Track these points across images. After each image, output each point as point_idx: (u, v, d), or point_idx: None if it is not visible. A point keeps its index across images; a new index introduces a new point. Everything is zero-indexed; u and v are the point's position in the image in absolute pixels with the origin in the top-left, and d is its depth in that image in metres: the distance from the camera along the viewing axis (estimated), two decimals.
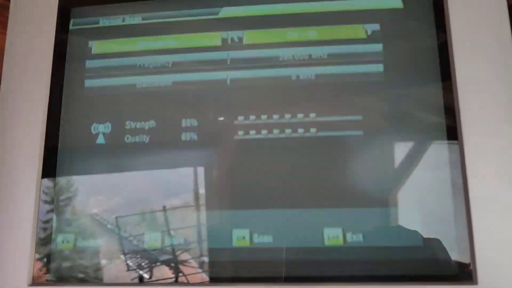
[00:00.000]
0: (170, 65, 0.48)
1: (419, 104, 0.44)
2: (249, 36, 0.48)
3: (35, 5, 0.50)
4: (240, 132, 0.45)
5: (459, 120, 0.42)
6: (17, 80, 0.48)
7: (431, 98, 0.43)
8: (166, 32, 0.49)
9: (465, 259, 0.40)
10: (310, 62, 0.46)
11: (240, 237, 0.43)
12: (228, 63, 0.47)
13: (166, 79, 0.47)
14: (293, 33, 0.47)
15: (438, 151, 0.43)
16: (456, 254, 0.41)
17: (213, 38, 0.48)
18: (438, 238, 0.41)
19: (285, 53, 0.47)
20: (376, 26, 0.46)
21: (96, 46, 0.50)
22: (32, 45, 0.49)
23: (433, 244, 0.41)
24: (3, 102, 0.47)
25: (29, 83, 0.48)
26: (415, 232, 0.41)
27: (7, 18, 0.51)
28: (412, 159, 0.43)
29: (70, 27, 0.51)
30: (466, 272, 0.40)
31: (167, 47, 0.48)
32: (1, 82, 0.48)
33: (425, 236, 0.41)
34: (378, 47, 0.46)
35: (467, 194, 0.41)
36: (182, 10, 0.49)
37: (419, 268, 0.41)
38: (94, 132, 0.47)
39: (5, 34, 0.50)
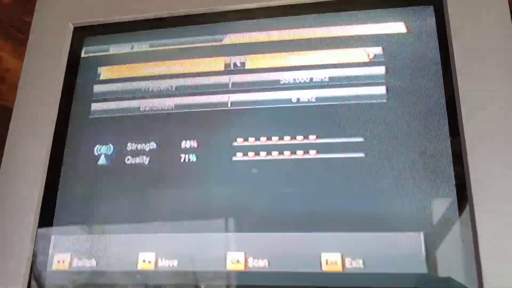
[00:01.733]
0: (173, 89, 0.48)
1: (422, 127, 0.42)
2: (251, 60, 0.48)
3: (52, 34, 0.53)
4: (239, 154, 0.45)
5: (464, 142, 0.40)
6: (30, 103, 0.50)
7: (434, 121, 0.42)
8: (172, 58, 0.50)
9: None
10: (311, 85, 0.46)
11: (235, 260, 0.41)
12: (230, 86, 0.47)
13: (168, 102, 0.48)
14: (295, 58, 0.47)
15: (444, 177, 0.41)
16: (463, 282, 0.38)
17: (216, 63, 0.49)
18: (444, 264, 0.39)
19: (286, 76, 0.46)
20: (378, 50, 0.46)
21: (105, 71, 0.51)
22: (45, 70, 0.51)
23: (438, 271, 0.39)
24: (16, 121, 0.49)
25: (40, 105, 0.49)
26: (419, 258, 0.39)
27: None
28: (416, 183, 0.41)
29: (82, 55, 0.52)
30: None
31: (171, 72, 0.49)
32: (15, 105, 0.50)
33: (429, 263, 0.39)
34: (380, 69, 0.45)
35: (474, 222, 0.38)
36: (188, 37, 0.50)
37: None
38: (96, 154, 0.47)
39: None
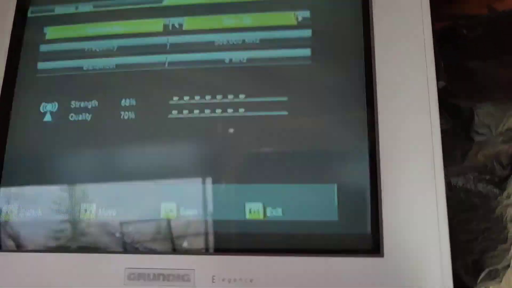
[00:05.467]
0: (115, 49, 0.51)
1: (343, 89, 0.46)
2: (188, 22, 0.50)
3: None
4: (174, 112, 0.48)
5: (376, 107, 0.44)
6: None
7: (352, 85, 0.45)
8: (114, 19, 0.52)
9: (376, 234, 0.42)
10: (243, 46, 0.48)
11: (168, 210, 0.45)
12: (168, 48, 0.50)
13: (110, 62, 0.50)
14: (229, 20, 0.50)
15: (358, 135, 0.44)
16: (368, 229, 0.42)
17: (156, 24, 0.51)
18: (353, 213, 0.43)
19: (221, 38, 0.49)
20: (306, 13, 0.48)
21: (50, 31, 0.53)
22: None
23: (348, 219, 0.43)
24: None
25: None
26: (331, 207, 0.43)
27: None
28: (333, 140, 0.45)
29: (29, 14, 0.54)
30: (375, 246, 0.41)
31: (113, 33, 0.51)
32: None
33: (340, 211, 0.43)
34: (307, 32, 0.48)
35: (379, 173, 0.42)
36: None
37: (334, 242, 0.43)
38: (42, 111, 0.50)
39: None
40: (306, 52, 0.47)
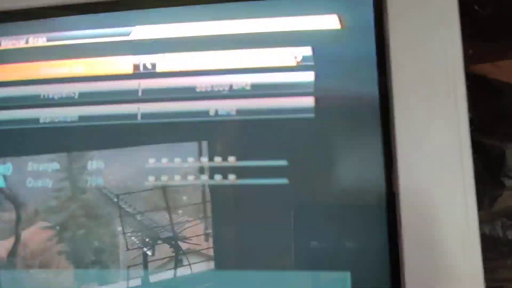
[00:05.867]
0: (76, 96, 0.42)
1: (353, 150, 0.37)
2: (163, 61, 0.41)
3: None
4: (151, 178, 0.40)
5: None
6: None
7: (367, 148, 0.37)
8: (73, 55, 0.43)
9: None
10: (230, 94, 0.40)
11: None
12: (140, 94, 0.41)
13: (72, 113, 0.42)
14: (212, 58, 0.40)
15: (377, 216, 0.37)
16: None
17: (124, 64, 0.42)
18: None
19: (203, 82, 0.40)
20: (307, 50, 0.39)
21: None
22: None
23: None
24: None
25: None
26: None
27: None
28: (346, 219, 0.37)
29: None
30: None
31: (73, 74, 0.42)
32: None
33: None
34: (309, 75, 0.39)
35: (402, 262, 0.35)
36: (91, 29, 0.43)
37: None
38: None
39: None
40: (309, 102, 0.39)
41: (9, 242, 0.41)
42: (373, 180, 0.37)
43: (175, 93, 0.41)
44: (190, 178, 0.39)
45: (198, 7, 0.41)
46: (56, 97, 0.42)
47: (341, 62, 0.39)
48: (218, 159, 0.39)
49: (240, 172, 0.38)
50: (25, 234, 0.41)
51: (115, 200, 0.40)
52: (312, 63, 0.39)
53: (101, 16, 0.43)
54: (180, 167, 0.39)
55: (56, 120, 0.42)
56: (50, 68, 0.43)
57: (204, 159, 0.39)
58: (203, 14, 0.41)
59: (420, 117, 0.36)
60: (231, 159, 0.39)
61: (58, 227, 0.41)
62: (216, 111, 0.40)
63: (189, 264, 0.38)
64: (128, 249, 0.39)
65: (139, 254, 0.39)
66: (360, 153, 0.37)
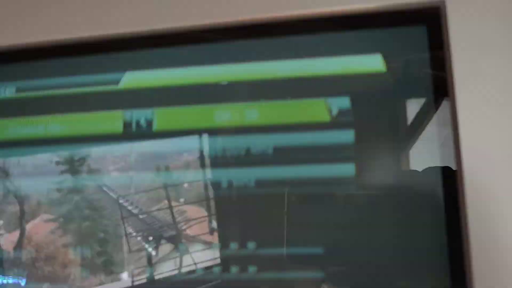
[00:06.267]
0: (53, 163, 0.33)
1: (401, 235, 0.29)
2: (160, 117, 0.32)
3: None
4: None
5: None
6: None
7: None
8: (48, 110, 0.34)
9: None
10: (247, 160, 0.31)
11: None
12: (132, 160, 0.32)
13: (50, 186, 0.33)
14: (223, 113, 0.32)
15: None
16: None
17: (112, 120, 0.33)
18: None
19: (212, 145, 0.32)
20: (345, 102, 0.30)
21: None
22: None
23: None
24: None
25: None
26: None
27: None
28: None
29: None
30: None
31: (51, 135, 0.34)
32: None
33: None
34: (347, 135, 0.30)
35: None
36: (71, 75, 0.34)
37: None
38: None
39: None
40: (348, 169, 0.30)
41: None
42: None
43: (174, 160, 0.32)
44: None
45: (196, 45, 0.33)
46: (30, 166, 0.34)
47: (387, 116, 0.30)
48: (234, 246, 0.30)
49: (262, 263, 0.30)
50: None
51: None
52: (351, 118, 0.30)
53: (84, 59, 0.34)
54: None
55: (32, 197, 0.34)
56: (20, 127, 0.34)
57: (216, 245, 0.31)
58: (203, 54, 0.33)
59: None
60: (251, 246, 0.30)
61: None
62: (231, 183, 0.31)
63: None
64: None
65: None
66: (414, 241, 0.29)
